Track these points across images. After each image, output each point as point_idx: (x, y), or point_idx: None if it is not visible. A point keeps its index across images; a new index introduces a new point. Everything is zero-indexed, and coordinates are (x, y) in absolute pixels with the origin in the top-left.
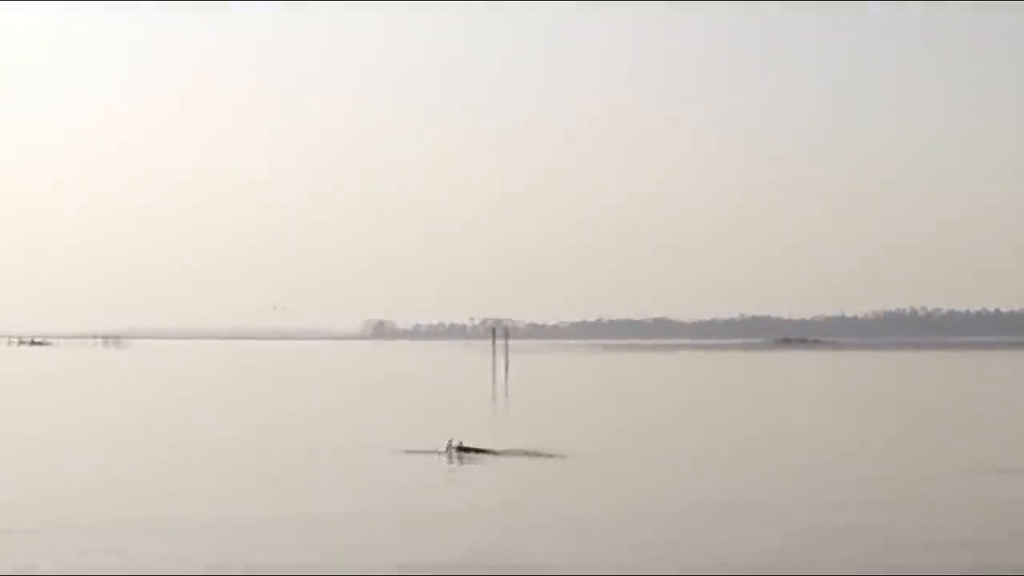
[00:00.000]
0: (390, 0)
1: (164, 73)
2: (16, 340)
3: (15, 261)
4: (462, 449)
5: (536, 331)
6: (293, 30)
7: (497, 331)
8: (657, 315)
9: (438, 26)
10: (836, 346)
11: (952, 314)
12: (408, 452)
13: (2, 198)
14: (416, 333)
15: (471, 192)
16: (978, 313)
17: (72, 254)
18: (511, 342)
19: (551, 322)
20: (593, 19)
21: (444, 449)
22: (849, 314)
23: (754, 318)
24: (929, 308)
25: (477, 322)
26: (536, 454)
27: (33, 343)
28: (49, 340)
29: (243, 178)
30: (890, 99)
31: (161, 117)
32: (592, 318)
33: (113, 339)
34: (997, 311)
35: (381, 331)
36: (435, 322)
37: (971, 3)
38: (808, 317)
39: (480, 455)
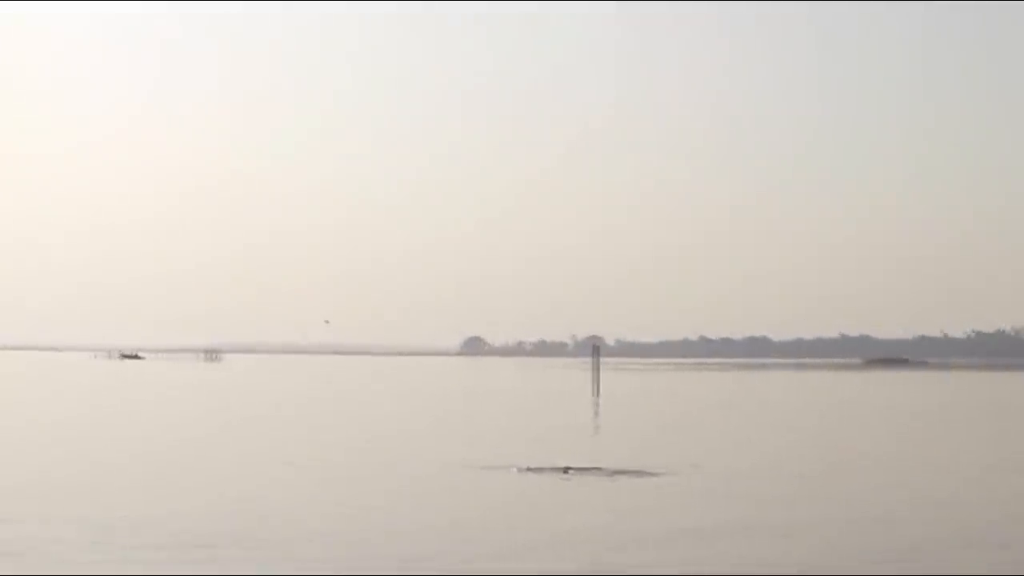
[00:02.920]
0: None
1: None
2: (118, 353)
3: (110, 272)
4: (565, 469)
5: (636, 349)
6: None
7: (599, 349)
8: (751, 334)
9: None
10: (931, 366)
11: None
12: (507, 470)
13: (101, 209)
14: (512, 350)
15: (572, 205)
16: None
17: (165, 265)
18: (608, 360)
19: (652, 340)
20: None
21: (549, 467)
22: (941, 334)
23: (845, 337)
24: (1021, 327)
25: (579, 339)
26: (631, 472)
27: (126, 356)
28: (142, 354)
29: (333, 190)
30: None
31: (262, 129)
32: (694, 336)
33: (213, 353)
34: None
35: (476, 347)
36: (533, 339)
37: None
38: (901, 337)
39: (576, 472)
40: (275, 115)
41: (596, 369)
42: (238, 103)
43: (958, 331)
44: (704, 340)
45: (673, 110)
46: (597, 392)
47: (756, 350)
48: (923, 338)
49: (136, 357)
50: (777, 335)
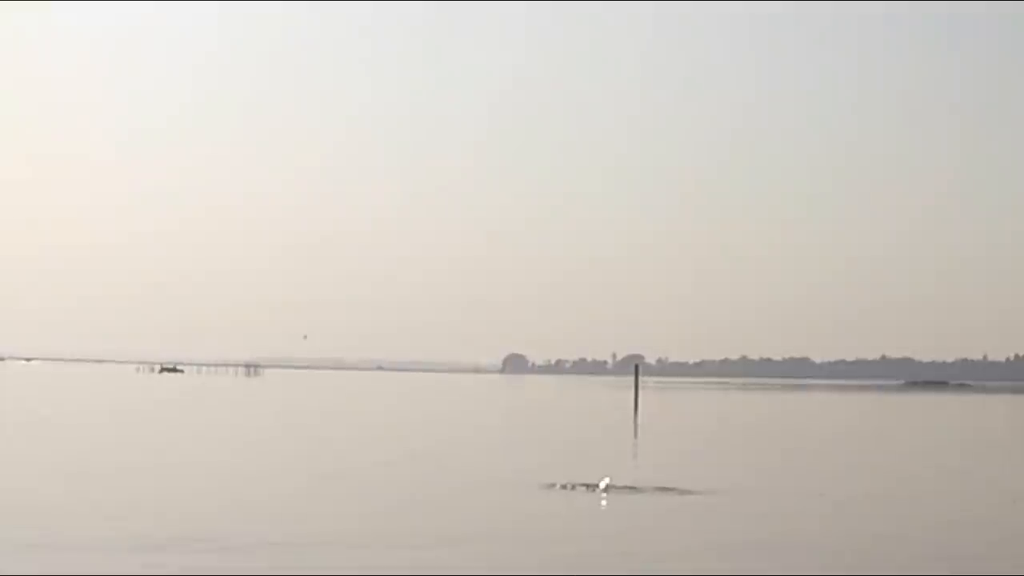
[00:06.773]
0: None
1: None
2: (158, 367)
3: (150, 285)
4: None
5: (677, 369)
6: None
7: (639, 368)
8: (791, 355)
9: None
10: (972, 389)
11: None
12: (540, 486)
13: (141, 222)
14: (552, 368)
15: (615, 225)
16: None
17: (204, 279)
18: (648, 379)
19: (692, 360)
20: None
21: (584, 485)
22: (982, 357)
23: (887, 359)
24: None
25: (619, 358)
26: (666, 489)
27: (166, 369)
28: (180, 367)
29: (376, 210)
30: None
31: (312, 153)
32: (735, 356)
33: (253, 367)
34: None
35: (517, 365)
36: (573, 358)
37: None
38: (943, 359)
39: (610, 489)
40: (325, 136)
41: (636, 388)
42: (295, 133)
43: (999, 355)
44: (745, 360)
45: (712, 124)
46: (637, 410)
47: (797, 371)
48: (965, 361)
49: (176, 370)
50: (818, 356)
